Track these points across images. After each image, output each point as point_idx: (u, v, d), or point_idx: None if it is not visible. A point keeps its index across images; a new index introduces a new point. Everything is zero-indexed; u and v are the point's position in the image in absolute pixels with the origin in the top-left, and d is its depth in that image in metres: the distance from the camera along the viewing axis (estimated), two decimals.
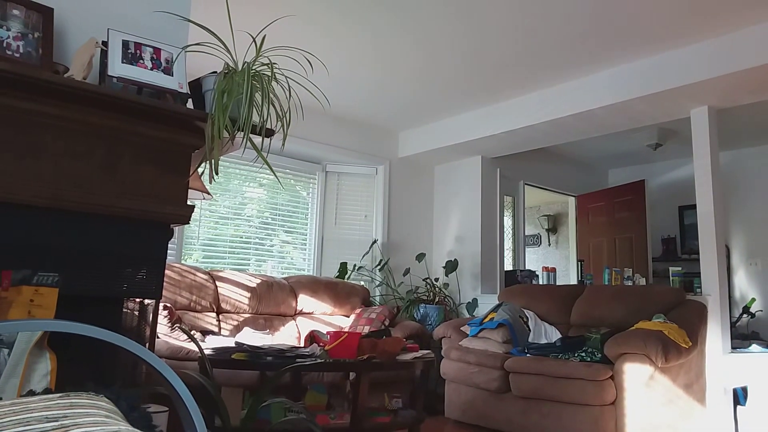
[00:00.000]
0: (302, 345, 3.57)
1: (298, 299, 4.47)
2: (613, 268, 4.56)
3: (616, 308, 3.90)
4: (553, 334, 4.13)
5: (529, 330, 4.13)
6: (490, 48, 3.91)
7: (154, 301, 1.81)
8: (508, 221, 6.11)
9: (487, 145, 5.36)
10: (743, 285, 5.50)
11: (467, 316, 5.08)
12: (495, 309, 4.23)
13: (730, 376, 3.55)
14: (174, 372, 1.01)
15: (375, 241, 5.45)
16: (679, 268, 4.27)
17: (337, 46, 3.92)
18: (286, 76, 1.87)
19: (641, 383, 3.18)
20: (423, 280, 5.37)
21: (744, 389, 3.45)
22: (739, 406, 3.45)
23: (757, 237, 5.49)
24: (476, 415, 3.81)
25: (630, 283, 4.46)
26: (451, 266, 5.37)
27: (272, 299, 4.28)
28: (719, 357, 3.66)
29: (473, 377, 3.82)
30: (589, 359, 3.45)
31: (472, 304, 5.16)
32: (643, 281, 4.63)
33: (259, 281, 4.29)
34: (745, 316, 4.99)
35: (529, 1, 3.29)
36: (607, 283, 4.54)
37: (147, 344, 1.81)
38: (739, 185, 5.59)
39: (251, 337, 3.61)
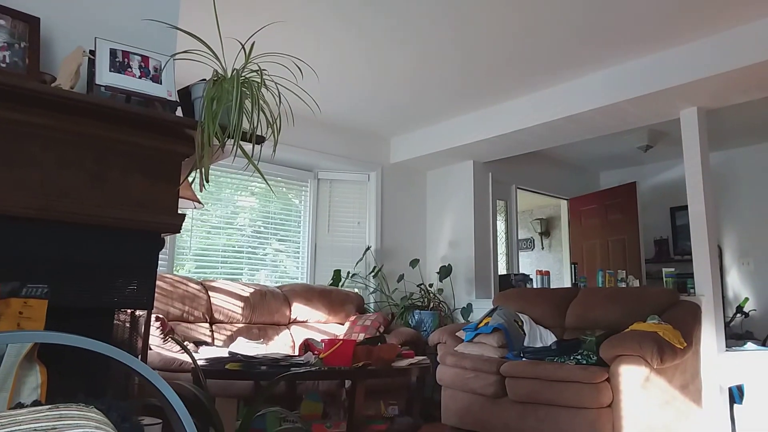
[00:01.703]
0: (297, 353, 3.55)
1: (292, 308, 4.45)
2: (607, 271, 4.57)
3: (611, 310, 3.91)
4: (549, 338, 4.13)
5: (525, 334, 4.13)
6: (482, 52, 3.92)
7: (145, 312, 1.79)
8: (501, 225, 6.12)
9: (479, 150, 5.37)
10: (736, 284, 5.52)
11: (462, 321, 5.07)
12: (490, 314, 4.22)
13: (726, 375, 3.55)
14: (167, 383, 0.99)
15: (368, 248, 5.44)
16: (672, 269, 4.28)
17: (328, 51, 3.93)
18: (275, 83, 1.87)
19: (637, 385, 3.17)
20: (417, 286, 5.36)
21: (739, 387, 3.45)
22: (735, 405, 3.45)
23: (749, 236, 5.52)
24: (473, 421, 3.79)
25: (623, 285, 4.47)
26: (445, 271, 5.36)
27: (266, 308, 4.26)
28: (714, 356, 3.66)
29: (469, 383, 3.80)
30: (584, 362, 3.45)
31: (467, 309, 5.15)
32: (636, 283, 4.64)
33: (252, 290, 4.27)
34: (738, 315, 5.01)
35: (520, 6, 3.31)
36: (600, 285, 4.54)
37: (139, 356, 1.79)
38: (730, 185, 5.63)
39: (245, 347, 3.59)
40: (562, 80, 4.38)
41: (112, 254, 1.65)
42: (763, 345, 3.82)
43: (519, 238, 6.48)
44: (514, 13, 3.40)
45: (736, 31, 3.52)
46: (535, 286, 5.28)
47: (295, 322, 4.47)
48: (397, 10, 3.38)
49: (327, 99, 4.75)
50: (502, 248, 6.09)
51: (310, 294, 4.57)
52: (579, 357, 3.52)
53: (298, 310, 4.46)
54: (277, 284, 4.85)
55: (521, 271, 5.86)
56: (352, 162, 5.57)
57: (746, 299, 5.17)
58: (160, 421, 1.64)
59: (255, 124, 1.77)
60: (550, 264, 6.77)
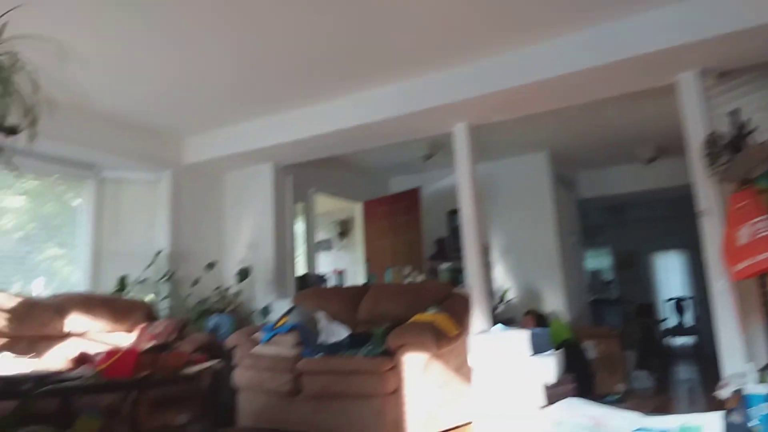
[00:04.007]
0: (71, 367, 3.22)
1: (69, 319, 4.02)
2: (394, 268, 4.94)
3: (397, 304, 4.24)
4: (343, 333, 4.32)
5: (320, 330, 4.27)
6: (279, 56, 3.96)
7: None
8: (300, 227, 6.23)
9: (278, 153, 5.41)
10: (501, 277, 6.36)
11: (261, 323, 5.06)
12: (287, 313, 4.29)
13: (477, 357, 3.96)
14: None
15: (159, 252, 5.13)
16: (448, 265, 4.79)
17: (113, 43, 3.64)
18: (38, 69, 1.71)
19: (418, 370, 3.50)
20: (214, 289, 5.21)
21: None
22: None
23: (512, 236, 6.40)
24: (269, 420, 3.82)
25: (409, 280, 4.88)
26: (244, 273, 5.30)
27: (35, 320, 3.79)
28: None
29: (266, 383, 3.82)
30: (373, 353, 3.70)
31: (266, 311, 5.15)
32: (420, 278, 5.10)
33: (17, 301, 3.77)
34: (502, 303, 5.78)
35: (312, 15, 3.43)
36: (389, 281, 4.90)
37: None
38: (496, 191, 6.46)
39: (12, 363, 3.18)
40: (356, 90, 4.62)
41: None
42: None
43: (318, 239, 6.65)
44: (306, 23, 3.51)
45: (494, 59, 4.06)
46: (331, 285, 5.48)
47: (73, 334, 4.05)
48: (194, 8, 3.28)
49: (113, 92, 4.40)
50: (301, 249, 6.20)
51: (89, 303, 4.16)
52: (370, 348, 3.76)
53: (76, 321, 4.04)
54: (54, 294, 4.35)
55: (319, 271, 6.04)
56: (141, 161, 5.21)
57: (507, 290, 5.99)
58: None
59: (4, 113, 1.60)
60: (346, 263, 7.08)
